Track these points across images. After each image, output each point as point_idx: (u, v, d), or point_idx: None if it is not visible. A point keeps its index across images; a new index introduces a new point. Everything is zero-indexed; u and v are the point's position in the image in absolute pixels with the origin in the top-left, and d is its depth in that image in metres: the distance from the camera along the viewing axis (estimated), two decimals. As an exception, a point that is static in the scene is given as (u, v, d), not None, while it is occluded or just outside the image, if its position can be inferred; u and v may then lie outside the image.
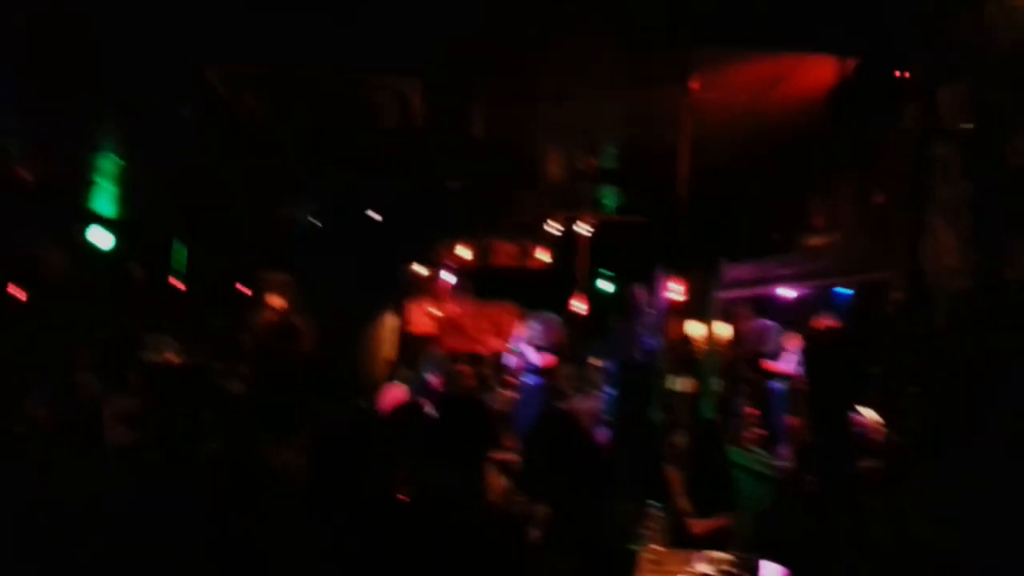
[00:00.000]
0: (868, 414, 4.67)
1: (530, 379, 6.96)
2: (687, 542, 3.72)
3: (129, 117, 5.09)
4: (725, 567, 3.16)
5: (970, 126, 2.52)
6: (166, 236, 9.01)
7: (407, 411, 4.06)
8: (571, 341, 8.27)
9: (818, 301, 6.76)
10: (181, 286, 9.08)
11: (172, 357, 9.26)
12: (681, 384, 6.27)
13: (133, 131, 5.46)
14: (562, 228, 7.22)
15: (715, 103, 4.09)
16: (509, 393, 7.95)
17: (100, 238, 8.84)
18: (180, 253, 8.96)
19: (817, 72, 3.60)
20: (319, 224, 7.52)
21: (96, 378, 5.58)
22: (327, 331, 10.23)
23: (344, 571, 2.74)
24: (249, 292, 10.68)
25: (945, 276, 2.60)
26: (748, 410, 6.66)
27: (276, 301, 10.81)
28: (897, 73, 2.96)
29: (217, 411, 5.42)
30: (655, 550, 3.23)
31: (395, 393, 7.17)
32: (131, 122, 5.22)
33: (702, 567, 3.25)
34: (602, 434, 6.24)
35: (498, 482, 3.73)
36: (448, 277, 9.55)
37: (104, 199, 8.23)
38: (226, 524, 3.27)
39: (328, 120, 5.01)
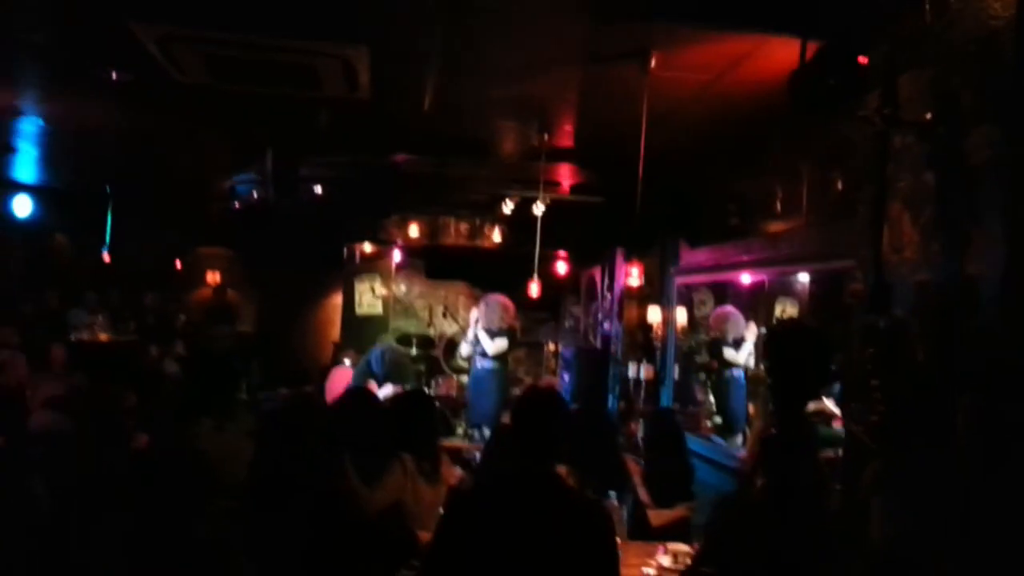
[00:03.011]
0: (829, 406, 4.67)
1: (483, 363, 6.79)
2: (647, 534, 3.67)
3: (53, 78, 4.73)
4: (686, 559, 3.09)
5: (929, 116, 2.45)
6: (96, 207, 8.53)
7: (355, 397, 3.88)
8: (524, 324, 8.13)
9: (778, 288, 6.76)
10: (109, 259, 8.63)
11: (102, 336, 8.85)
12: (638, 371, 6.19)
13: (58, 93, 5.09)
14: (515, 207, 7.04)
15: (675, 82, 3.96)
16: (460, 378, 7.79)
17: (21, 207, 8.33)
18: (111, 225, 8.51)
19: (781, 53, 3.49)
20: (259, 197, 7.18)
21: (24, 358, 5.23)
22: (267, 311, 9.88)
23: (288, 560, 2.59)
24: (182, 267, 10.27)
25: (906, 268, 2.55)
26: (708, 398, 6.62)
27: (212, 277, 10.41)
28: (859, 59, 2.87)
29: (150, 393, 5.15)
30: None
31: (342, 378, 6.92)
32: (55, 83, 4.87)
33: (663, 560, 3.18)
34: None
35: (451, 472, 3.60)
36: (396, 256, 9.29)
37: (26, 166, 7.74)
38: (163, 515, 3.06)
39: (269, 88, 4.72)
